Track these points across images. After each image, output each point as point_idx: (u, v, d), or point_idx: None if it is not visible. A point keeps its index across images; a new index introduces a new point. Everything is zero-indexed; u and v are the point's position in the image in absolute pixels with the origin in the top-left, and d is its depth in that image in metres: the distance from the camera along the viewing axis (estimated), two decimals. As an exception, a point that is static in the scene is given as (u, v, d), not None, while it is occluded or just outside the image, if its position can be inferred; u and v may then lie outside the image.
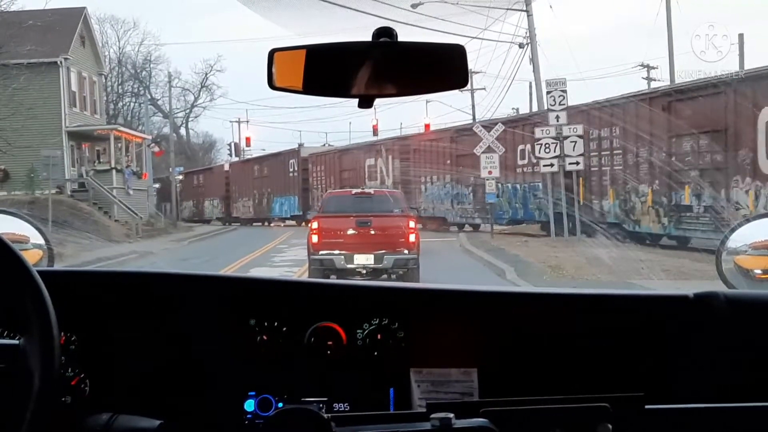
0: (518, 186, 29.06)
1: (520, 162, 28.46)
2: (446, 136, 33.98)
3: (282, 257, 23.60)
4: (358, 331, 2.28)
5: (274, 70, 1.70)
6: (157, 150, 46.51)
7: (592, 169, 24.85)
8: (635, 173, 22.49)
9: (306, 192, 43.35)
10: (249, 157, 55.07)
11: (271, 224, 46.11)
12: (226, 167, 55.59)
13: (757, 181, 18.27)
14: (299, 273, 18.06)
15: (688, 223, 20.49)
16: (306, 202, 43.05)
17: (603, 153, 24.25)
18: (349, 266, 15.81)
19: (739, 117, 18.42)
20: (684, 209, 20.53)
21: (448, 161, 32.44)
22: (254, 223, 47.04)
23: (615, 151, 23.59)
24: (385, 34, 1.67)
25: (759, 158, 18.14)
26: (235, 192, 51.82)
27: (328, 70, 1.70)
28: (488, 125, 28.25)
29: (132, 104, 65.68)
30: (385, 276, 15.77)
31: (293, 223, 42.99)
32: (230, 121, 74.04)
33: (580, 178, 24.86)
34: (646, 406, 1.75)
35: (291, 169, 45.14)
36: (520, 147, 28.22)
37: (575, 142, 24.56)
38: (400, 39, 1.68)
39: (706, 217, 19.71)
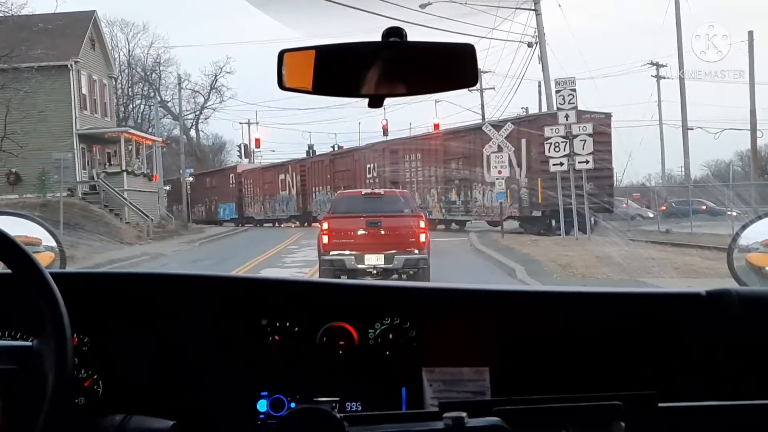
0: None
1: (368, 175, 41.63)
2: (326, 158, 47.99)
3: (293, 258, 23.62)
4: (370, 330, 2.28)
5: (283, 70, 1.69)
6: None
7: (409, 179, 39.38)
8: (429, 182, 37.03)
9: (240, 199, 55.44)
10: (204, 171, 64.35)
11: (222, 224, 53.93)
12: (189, 178, 63.16)
13: (483, 186, 32.47)
14: (310, 273, 18.05)
15: (454, 211, 36.32)
16: (241, 207, 55.27)
17: (412, 169, 38.92)
18: (359, 266, 15.74)
19: (476, 149, 31.47)
20: (452, 203, 36.20)
21: (328, 176, 45.26)
22: (209, 224, 54.97)
23: (419, 169, 38.38)
24: (394, 34, 1.66)
25: (485, 173, 30.42)
26: (194, 199, 60.89)
27: (337, 70, 1.69)
28: (498, 125, 28.63)
29: (142, 106, 65.95)
30: (395, 276, 15.72)
31: (232, 224, 52.97)
32: (240, 123, 74.24)
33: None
34: (659, 404, 1.74)
35: (231, 182, 56.66)
36: (368, 165, 41.10)
37: (584, 140, 24.54)
38: (409, 39, 1.67)
39: (462, 207, 35.74)
